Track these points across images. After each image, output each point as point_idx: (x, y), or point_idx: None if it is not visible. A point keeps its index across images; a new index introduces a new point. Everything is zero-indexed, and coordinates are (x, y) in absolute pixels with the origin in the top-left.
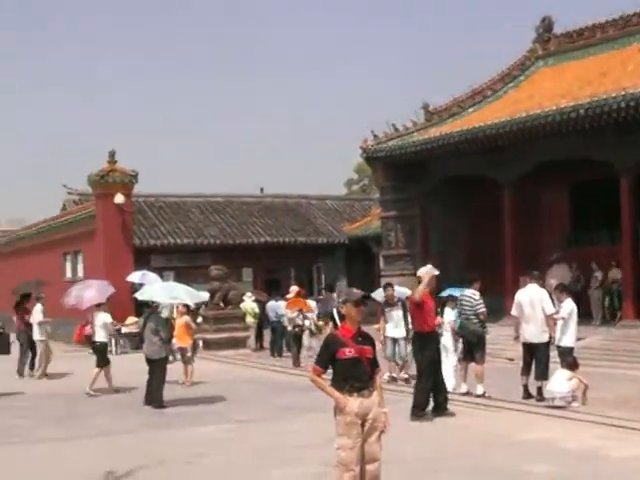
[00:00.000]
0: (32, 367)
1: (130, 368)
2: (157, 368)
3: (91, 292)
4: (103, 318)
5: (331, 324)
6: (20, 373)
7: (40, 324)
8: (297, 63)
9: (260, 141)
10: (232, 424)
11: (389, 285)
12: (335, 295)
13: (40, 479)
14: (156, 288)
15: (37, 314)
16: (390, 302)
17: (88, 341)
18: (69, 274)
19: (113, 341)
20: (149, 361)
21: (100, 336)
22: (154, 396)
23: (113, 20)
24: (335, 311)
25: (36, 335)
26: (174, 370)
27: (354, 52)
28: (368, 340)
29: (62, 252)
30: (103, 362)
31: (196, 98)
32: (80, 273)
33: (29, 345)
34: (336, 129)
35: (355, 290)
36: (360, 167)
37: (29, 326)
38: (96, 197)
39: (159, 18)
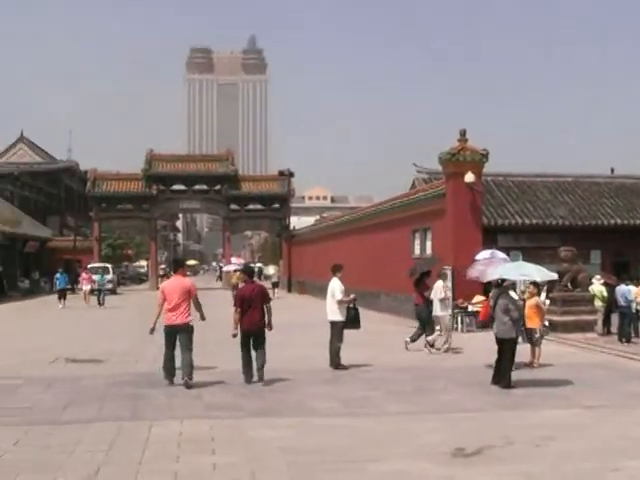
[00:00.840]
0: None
1: (478, 347)
2: (506, 348)
3: (492, 268)
4: None
5: None
6: (412, 340)
7: (442, 300)
8: None
9: (611, 121)
10: (580, 409)
11: None
12: None
13: (392, 450)
14: (506, 266)
15: (438, 290)
16: None
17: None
18: (417, 251)
19: (459, 319)
20: (499, 340)
21: None
22: (502, 376)
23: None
24: None
25: (437, 311)
26: (521, 351)
27: None
28: None
29: (411, 229)
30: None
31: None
32: (428, 250)
33: (427, 320)
34: None
35: None
36: None
37: (429, 302)
38: (446, 176)
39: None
